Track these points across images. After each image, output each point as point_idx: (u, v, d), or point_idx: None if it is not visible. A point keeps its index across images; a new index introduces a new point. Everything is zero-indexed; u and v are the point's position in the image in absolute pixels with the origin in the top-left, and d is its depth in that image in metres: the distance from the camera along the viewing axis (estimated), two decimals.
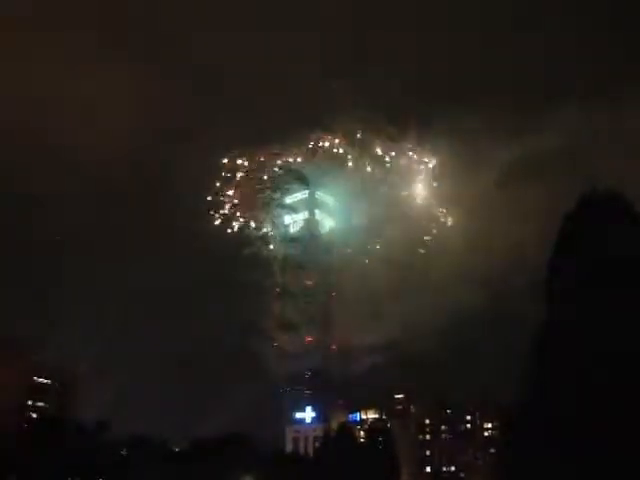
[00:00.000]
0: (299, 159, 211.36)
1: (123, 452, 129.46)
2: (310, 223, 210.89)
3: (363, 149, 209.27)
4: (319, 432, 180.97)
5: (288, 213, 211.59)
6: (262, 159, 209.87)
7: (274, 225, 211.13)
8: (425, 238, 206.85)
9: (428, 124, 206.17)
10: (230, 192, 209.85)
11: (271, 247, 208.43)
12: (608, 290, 34.58)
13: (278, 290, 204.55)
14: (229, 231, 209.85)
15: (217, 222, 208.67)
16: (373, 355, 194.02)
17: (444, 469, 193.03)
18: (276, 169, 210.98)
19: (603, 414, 32.90)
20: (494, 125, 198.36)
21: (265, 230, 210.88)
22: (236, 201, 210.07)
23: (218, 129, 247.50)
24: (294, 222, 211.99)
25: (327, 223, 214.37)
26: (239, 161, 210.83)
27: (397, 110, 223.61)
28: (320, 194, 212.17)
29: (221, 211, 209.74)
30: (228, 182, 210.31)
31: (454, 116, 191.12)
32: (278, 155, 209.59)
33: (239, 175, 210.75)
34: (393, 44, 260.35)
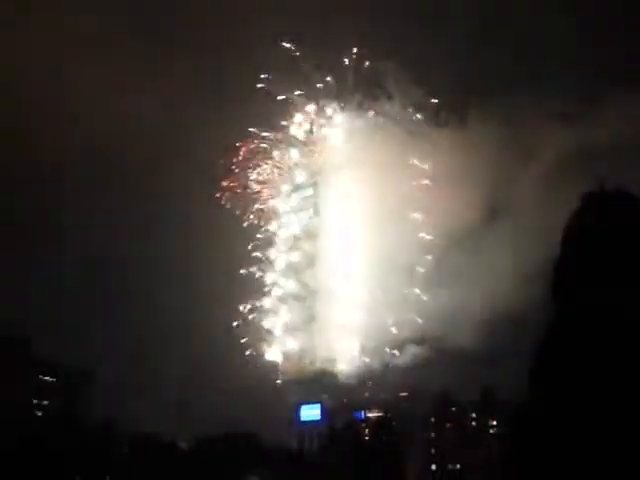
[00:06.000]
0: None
1: (126, 450, 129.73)
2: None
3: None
4: (324, 430, 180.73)
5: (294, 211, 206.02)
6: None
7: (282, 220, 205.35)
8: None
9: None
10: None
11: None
12: (612, 290, 34.43)
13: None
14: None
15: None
16: (407, 349, 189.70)
17: (449, 467, 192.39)
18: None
19: (604, 411, 32.86)
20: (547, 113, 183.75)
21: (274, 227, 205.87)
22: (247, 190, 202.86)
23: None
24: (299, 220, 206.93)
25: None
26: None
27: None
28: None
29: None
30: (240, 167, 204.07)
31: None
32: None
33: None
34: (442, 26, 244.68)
